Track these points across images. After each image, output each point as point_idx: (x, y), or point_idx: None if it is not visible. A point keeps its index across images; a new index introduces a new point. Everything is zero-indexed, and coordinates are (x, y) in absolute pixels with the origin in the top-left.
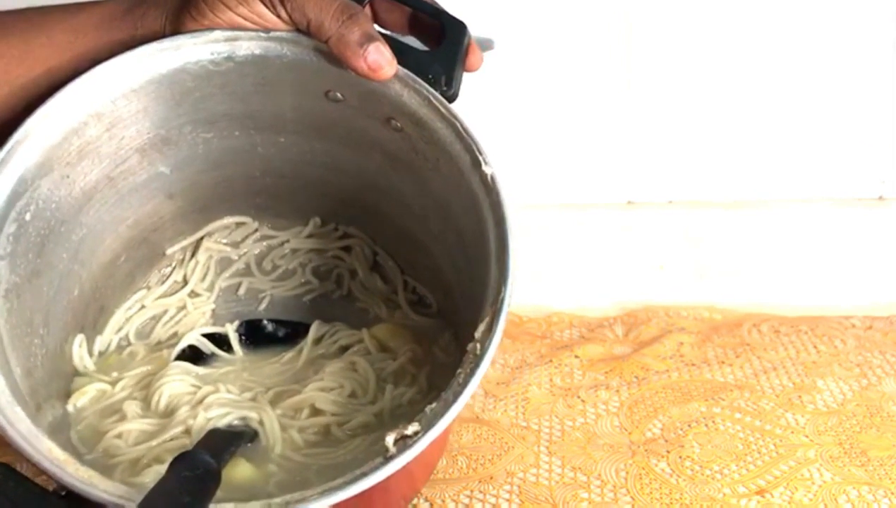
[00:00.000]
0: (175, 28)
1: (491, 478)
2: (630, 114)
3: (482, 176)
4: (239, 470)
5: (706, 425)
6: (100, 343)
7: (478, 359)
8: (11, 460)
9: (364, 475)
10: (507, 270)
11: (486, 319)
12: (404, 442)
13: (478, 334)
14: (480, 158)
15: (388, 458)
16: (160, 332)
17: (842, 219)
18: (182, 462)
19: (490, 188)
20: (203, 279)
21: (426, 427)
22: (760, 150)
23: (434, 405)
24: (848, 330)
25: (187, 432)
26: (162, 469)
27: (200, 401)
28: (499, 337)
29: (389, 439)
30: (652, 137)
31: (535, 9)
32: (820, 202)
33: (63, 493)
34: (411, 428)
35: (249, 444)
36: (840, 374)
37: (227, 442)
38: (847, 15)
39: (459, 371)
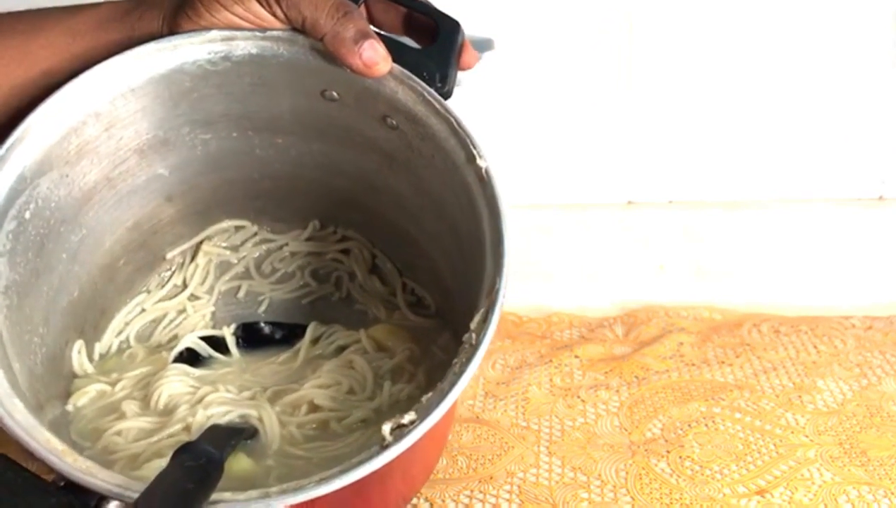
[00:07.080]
0: (172, 29)
1: (491, 478)
2: (630, 115)
3: (477, 170)
4: (239, 464)
5: (706, 425)
6: (99, 346)
7: (473, 349)
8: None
9: (361, 463)
10: (503, 261)
11: (482, 310)
12: (401, 431)
13: (473, 324)
14: (475, 152)
15: (384, 446)
16: (160, 335)
17: (842, 219)
18: (185, 452)
19: (485, 182)
20: (203, 282)
21: (422, 416)
22: (760, 150)
23: (430, 394)
24: (848, 330)
25: (187, 429)
26: (162, 462)
27: (200, 400)
28: (494, 327)
29: (386, 428)
30: (652, 137)
31: (535, 9)
32: (820, 202)
33: (62, 483)
34: (407, 417)
35: (249, 441)
36: (840, 374)
37: (227, 437)
38: (847, 15)
39: (455, 360)
